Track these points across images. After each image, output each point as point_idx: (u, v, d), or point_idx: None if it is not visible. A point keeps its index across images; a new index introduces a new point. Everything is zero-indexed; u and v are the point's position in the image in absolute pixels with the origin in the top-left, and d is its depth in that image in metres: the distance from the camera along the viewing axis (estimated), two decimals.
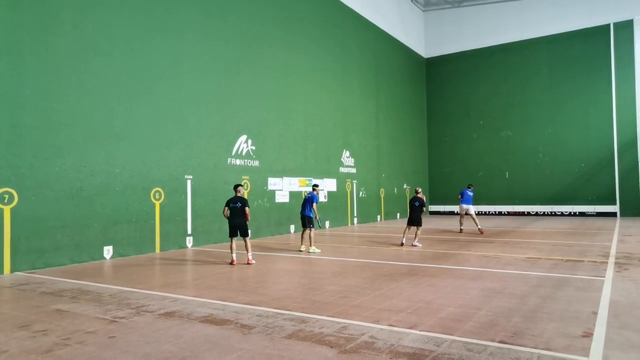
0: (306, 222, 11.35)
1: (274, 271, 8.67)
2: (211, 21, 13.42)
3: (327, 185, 18.64)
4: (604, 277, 7.40)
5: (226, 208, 9.39)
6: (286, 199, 16.15)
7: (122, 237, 10.68)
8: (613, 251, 10.48)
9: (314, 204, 11.32)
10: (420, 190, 12.94)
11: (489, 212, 25.79)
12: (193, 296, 6.46)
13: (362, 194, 21.16)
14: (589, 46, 23.58)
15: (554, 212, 24.10)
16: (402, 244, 12.24)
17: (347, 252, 11.09)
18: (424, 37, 28.71)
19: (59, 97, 9.61)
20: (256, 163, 14.89)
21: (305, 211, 11.40)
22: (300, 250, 11.37)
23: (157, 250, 11.53)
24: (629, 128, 22.51)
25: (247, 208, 9.32)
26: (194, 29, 12.82)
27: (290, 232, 16.27)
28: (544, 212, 24.33)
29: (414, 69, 27.31)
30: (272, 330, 4.72)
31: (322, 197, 17.94)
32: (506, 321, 4.94)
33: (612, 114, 22.91)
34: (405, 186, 25.26)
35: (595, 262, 8.98)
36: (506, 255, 10.01)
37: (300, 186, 16.81)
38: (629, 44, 22.66)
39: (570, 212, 23.72)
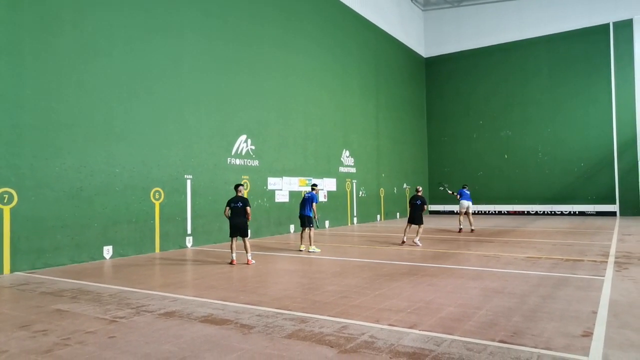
0: (305, 221, 11.36)
1: (274, 271, 8.67)
2: (211, 21, 13.42)
3: (327, 185, 18.64)
4: (603, 276, 7.41)
5: (227, 208, 9.39)
6: (286, 199, 16.15)
7: (122, 237, 10.68)
8: (613, 250, 10.48)
9: (314, 204, 11.34)
10: (420, 188, 12.96)
11: (489, 211, 25.81)
12: (193, 296, 6.46)
13: (362, 193, 21.16)
14: (588, 46, 23.59)
15: (554, 212, 24.11)
16: (402, 242, 12.27)
17: (347, 252, 11.10)
18: (424, 37, 28.71)
19: (59, 97, 9.61)
20: (256, 163, 14.89)
21: (305, 211, 11.40)
22: (300, 250, 11.38)
23: (157, 250, 11.53)
24: (628, 128, 22.52)
25: (248, 207, 9.34)
26: (194, 29, 12.82)
27: (290, 232, 16.28)
28: (544, 212, 24.34)
29: (414, 69, 27.31)
30: (272, 330, 4.73)
31: (321, 197, 17.95)
32: (506, 321, 4.94)
33: (611, 114, 22.92)
34: (405, 186, 25.27)
35: (595, 261, 8.99)
36: (506, 255, 10.01)
37: (300, 186, 16.81)
38: (628, 43, 22.67)
39: (570, 212, 23.74)
